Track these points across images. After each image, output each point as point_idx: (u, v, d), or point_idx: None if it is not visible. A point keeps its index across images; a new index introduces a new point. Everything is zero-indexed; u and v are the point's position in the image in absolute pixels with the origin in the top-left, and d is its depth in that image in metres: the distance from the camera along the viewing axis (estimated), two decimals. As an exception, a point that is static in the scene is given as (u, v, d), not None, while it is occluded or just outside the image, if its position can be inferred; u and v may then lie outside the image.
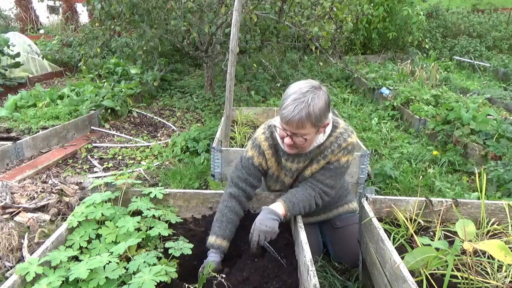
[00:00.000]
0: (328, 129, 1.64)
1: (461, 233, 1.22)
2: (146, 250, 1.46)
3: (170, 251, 1.43)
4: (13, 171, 3.09)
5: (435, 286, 1.23)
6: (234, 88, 2.92)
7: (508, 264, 1.33)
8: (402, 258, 1.26)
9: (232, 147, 3.30)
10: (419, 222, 1.65)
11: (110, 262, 1.28)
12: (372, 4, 8.06)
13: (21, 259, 1.90)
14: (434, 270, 1.33)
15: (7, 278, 1.63)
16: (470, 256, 1.22)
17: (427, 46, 7.01)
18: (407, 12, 7.72)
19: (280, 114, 1.49)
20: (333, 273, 1.93)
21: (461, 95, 5.18)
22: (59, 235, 1.45)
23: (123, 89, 5.27)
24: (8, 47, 6.39)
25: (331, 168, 1.66)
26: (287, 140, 1.53)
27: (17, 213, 2.17)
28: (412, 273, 1.24)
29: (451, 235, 1.56)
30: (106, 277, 1.23)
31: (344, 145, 1.63)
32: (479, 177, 3.04)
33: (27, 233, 2.04)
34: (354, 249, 1.85)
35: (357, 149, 2.89)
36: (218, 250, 1.55)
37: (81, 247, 1.43)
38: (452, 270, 1.17)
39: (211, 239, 1.57)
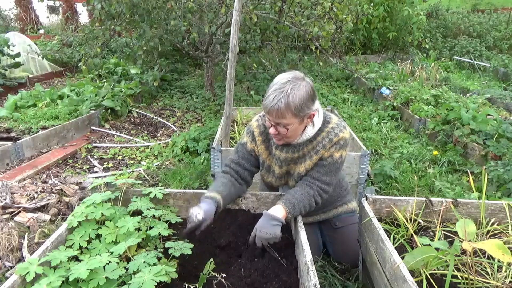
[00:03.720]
0: (318, 122, 1.65)
1: (462, 233, 1.23)
2: (146, 250, 1.46)
3: (170, 251, 1.43)
4: (13, 171, 3.09)
5: (435, 286, 1.24)
6: (234, 88, 2.92)
7: (508, 264, 1.33)
8: (402, 258, 1.26)
9: (232, 147, 3.30)
10: (419, 222, 1.65)
11: (110, 262, 1.28)
12: (372, 4, 8.06)
13: (21, 259, 1.90)
14: (434, 270, 1.33)
15: (7, 278, 1.63)
16: (470, 256, 1.22)
17: (427, 46, 7.01)
18: (407, 12, 7.72)
19: (262, 104, 1.54)
20: (333, 273, 1.93)
21: (461, 95, 5.18)
22: (59, 235, 1.45)
23: (123, 89, 5.27)
24: (8, 47, 6.39)
25: (325, 164, 1.66)
26: (272, 130, 1.58)
27: (17, 213, 2.17)
28: (412, 273, 1.24)
29: (451, 235, 1.56)
30: (106, 277, 1.23)
31: (336, 140, 1.64)
32: (476, 176, 3.04)
33: (27, 233, 2.04)
34: (354, 249, 1.85)
35: (357, 149, 2.89)
36: (211, 199, 1.56)
37: (81, 247, 1.43)
38: (452, 270, 1.18)
39: (205, 195, 1.61)
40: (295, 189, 1.68)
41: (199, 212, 1.49)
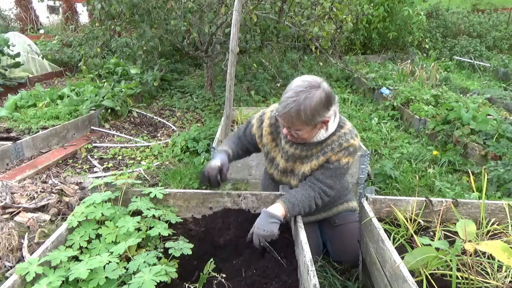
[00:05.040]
0: (332, 127, 1.66)
1: (462, 233, 1.23)
2: (146, 250, 1.46)
3: (170, 251, 1.43)
4: (13, 171, 3.09)
5: (435, 286, 1.23)
6: (234, 88, 2.92)
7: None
8: (402, 258, 1.26)
9: (232, 147, 3.30)
10: (419, 222, 1.65)
11: (110, 262, 1.28)
12: (372, 4, 8.06)
13: (21, 259, 1.90)
14: (434, 270, 1.33)
15: (7, 278, 1.63)
16: (470, 256, 1.22)
17: (427, 46, 7.02)
18: (407, 12, 7.72)
19: (277, 108, 1.59)
20: (333, 273, 1.93)
21: (461, 95, 5.18)
22: (59, 235, 1.45)
23: (123, 89, 5.27)
24: (8, 47, 6.39)
25: (331, 168, 1.67)
26: (284, 130, 1.64)
27: (17, 213, 2.16)
28: (412, 273, 1.24)
29: (451, 235, 1.56)
30: (106, 277, 1.23)
31: (346, 145, 1.65)
32: (476, 176, 3.04)
33: (27, 233, 2.04)
34: (353, 247, 1.85)
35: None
36: (223, 151, 1.79)
37: (81, 247, 1.43)
38: (452, 270, 1.17)
39: (218, 149, 1.86)
40: (297, 189, 1.68)
41: (216, 161, 1.70)
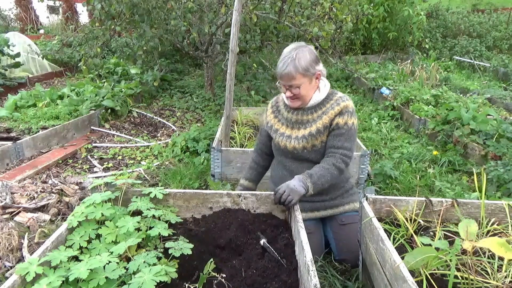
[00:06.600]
0: (324, 90, 1.92)
1: (463, 234, 1.23)
2: (146, 250, 1.46)
3: (170, 251, 1.42)
4: (13, 171, 3.09)
5: (435, 286, 1.23)
6: (234, 88, 2.92)
7: (508, 264, 1.33)
8: (402, 258, 1.26)
9: (232, 147, 3.30)
10: (419, 222, 1.65)
11: (110, 262, 1.28)
12: (372, 4, 8.06)
13: (21, 259, 1.90)
14: (434, 270, 1.33)
15: (7, 278, 1.63)
16: (470, 256, 1.22)
17: (427, 46, 7.01)
18: (407, 12, 7.72)
19: (275, 72, 1.86)
20: (333, 273, 1.93)
21: (461, 95, 5.18)
22: (59, 235, 1.45)
23: (123, 89, 5.27)
24: (8, 47, 6.39)
25: (343, 132, 1.86)
26: (287, 93, 1.87)
27: (17, 213, 2.17)
28: (412, 273, 1.24)
29: (451, 235, 1.56)
30: (106, 277, 1.23)
31: (343, 105, 1.88)
32: (477, 176, 3.04)
33: (27, 233, 2.04)
34: (358, 247, 1.86)
35: (357, 149, 2.89)
36: (241, 187, 2.15)
37: (81, 247, 1.42)
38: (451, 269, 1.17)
39: (240, 181, 2.20)
40: (316, 165, 1.85)
41: None
